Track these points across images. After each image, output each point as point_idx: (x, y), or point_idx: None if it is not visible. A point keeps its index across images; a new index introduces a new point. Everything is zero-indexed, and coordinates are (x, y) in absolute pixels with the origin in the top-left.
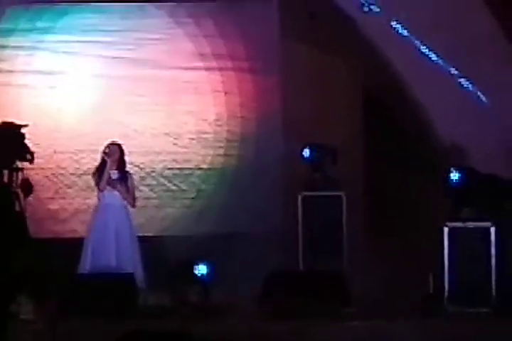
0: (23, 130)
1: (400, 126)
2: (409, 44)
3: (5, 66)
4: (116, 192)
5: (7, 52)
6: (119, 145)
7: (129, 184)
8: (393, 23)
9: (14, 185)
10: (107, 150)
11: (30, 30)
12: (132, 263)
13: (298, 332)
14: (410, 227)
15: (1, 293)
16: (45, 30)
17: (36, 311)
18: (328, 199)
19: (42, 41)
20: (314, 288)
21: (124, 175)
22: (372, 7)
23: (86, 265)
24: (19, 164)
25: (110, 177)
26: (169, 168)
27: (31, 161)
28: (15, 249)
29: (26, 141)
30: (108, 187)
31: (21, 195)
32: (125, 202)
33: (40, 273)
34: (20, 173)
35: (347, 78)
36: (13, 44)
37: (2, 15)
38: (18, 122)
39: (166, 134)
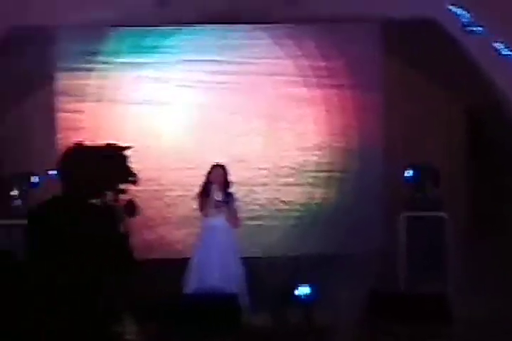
0: (127, 152)
1: (504, 148)
2: None
3: (110, 85)
4: (220, 213)
5: (110, 75)
6: (223, 167)
7: (233, 205)
8: (496, 44)
9: (119, 206)
10: (211, 175)
11: (132, 55)
12: (236, 283)
13: None
14: None
15: (106, 314)
16: (146, 54)
17: (141, 332)
18: (430, 220)
19: (144, 64)
20: (416, 309)
21: (229, 197)
22: (475, 27)
23: (191, 286)
24: (124, 186)
25: (215, 199)
26: (271, 191)
27: (135, 183)
28: (120, 271)
29: (130, 163)
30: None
31: (126, 217)
32: (228, 223)
33: (144, 294)
34: (124, 195)
35: (448, 98)
36: (119, 63)
37: (105, 38)
38: (122, 144)
39: (269, 154)
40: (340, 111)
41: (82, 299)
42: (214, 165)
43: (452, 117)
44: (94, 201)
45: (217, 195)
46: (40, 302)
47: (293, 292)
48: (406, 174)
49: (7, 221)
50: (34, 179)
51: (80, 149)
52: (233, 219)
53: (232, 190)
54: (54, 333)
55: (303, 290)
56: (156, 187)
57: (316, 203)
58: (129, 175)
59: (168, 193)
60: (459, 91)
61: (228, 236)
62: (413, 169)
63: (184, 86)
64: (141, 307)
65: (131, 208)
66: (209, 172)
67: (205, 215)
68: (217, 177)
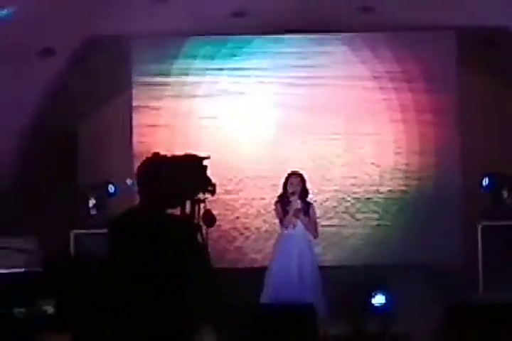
0: (205, 162)
1: None
2: None
3: (186, 95)
4: (298, 223)
5: (186, 87)
6: (300, 176)
7: (311, 214)
8: None
9: (196, 216)
10: (289, 185)
11: (208, 67)
12: (314, 293)
13: None
14: None
15: (185, 324)
16: (224, 61)
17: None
18: (508, 228)
19: (222, 69)
20: (497, 320)
21: (306, 205)
22: None
23: (268, 295)
24: (201, 196)
25: (294, 208)
26: (347, 200)
27: (213, 193)
28: (197, 280)
29: (208, 173)
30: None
31: (204, 227)
32: (307, 232)
33: (222, 303)
34: (202, 205)
35: None
36: (191, 80)
37: (181, 49)
38: (200, 154)
39: (345, 164)
40: (416, 119)
41: (160, 309)
42: (290, 174)
43: None
44: (172, 211)
45: (297, 204)
46: (118, 313)
47: (370, 301)
48: (483, 183)
49: (84, 230)
50: (111, 188)
51: (158, 159)
52: (311, 228)
53: (310, 199)
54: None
55: (379, 299)
56: (234, 197)
57: (392, 213)
58: (207, 185)
59: (245, 202)
60: None
61: (306, 245)
62: (489, 177)
63: (262, 93)
64: (219, 317)
65: (209, 218)
66: (286, 181)
67: (285, 225)
68: (296, 186)
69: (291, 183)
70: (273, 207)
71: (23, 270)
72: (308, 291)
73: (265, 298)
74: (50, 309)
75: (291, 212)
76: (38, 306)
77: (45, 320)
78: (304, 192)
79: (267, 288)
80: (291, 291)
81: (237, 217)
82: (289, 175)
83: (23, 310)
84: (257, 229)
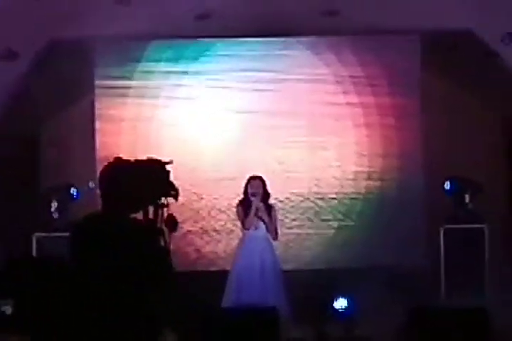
0: (167, 166)
1: None
2: None
3: (148, 98)
4: (260, 224)
5: (149, 91)
6: (261, 179)
7: (273, 216)
8: None
9: (159, 221)
10: (250, 187)
11: (171, 70)
12: (276, 296)
13: None
14: None
15: (147, 327)
16: (188, 64)
17: None
18: (470, 232)
19: (185, 73)
20: (457, 323)
21: (269, 208)
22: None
23: (230, 298)
24: (164, 200)
25: (256, 211)
26: (311, 202)
27: (176, 197)
28: (159, 284)
29: (170, 177)
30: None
31: (166, 231)
32: (268, 235)
33: (183, 307)
34: (165, 209)
35: (487, 110)
36: (153, 84)
37: (144, 52)
38: (163, 159)
39: (308, 169)
40: (379, 122)
41: (123, 312)
42: (251, 177)
43: (490, 128)
44: (135, 216)
45: (258, 207)
46: (79, 316)
47: (332, 304)
48: (445, 186)
49: (46, 234)
50: (73, 191)
51: (120, 164)
52: (274, 230)
53: (271, 201)
54: None
55: (341, 302)
56: (195, 199)
57: (355, 215)
58: (170, 190)
59: (207, 205)
60: (497, 102)
61: (268, 247)
62: (451, 181)
63: (223, 95)
64: (180, 320)
65: (172, 222)
66: (247, 184)
67: (246, 227)
68: (256, 188)
69: (252, 186)
70: (236, 209)
71: None
72: (270, 294)
73: (227, 300)
74: (8, 310)
75: (252, 213)
76: None
77: (3, 320)
78: (266, 195)
79: (229, 290)
80: (253, 293)
81: (200, 221)
82: (250, 178)
83: None
84: (220, 231)
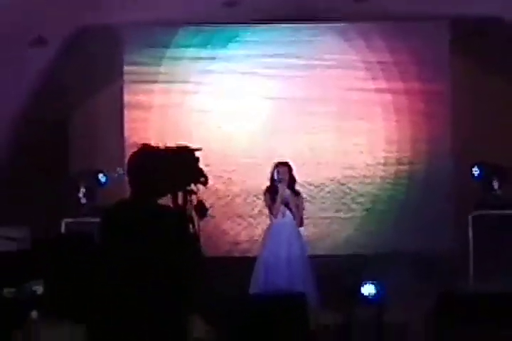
0: (197, 153)
1: None
2: None
3: (176, 93)
4: (287, 211)
5: (177, 77)
6: (287, 165)
7: (299, 202)
8: None
9: (189, 207)
10: (276, 173)
11: (199, 56)
12: (304, 282)
13: None
14: None
15: (176, 314)
16: (216, 50)
17: (208, 330)
18: (499, 218)
19: (213, 59)
20: (487, 310)
21: (295, 194)
22: None
23: (258, 284)
24: (194, 187)
25: (283, 197)
26: (340, 189)
27: (205, 184)
28: (189, 271)
29: (200, 164)
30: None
31: (196, 217)
32: (295, 221)
33: (212, 293)
34: (194, 196)
35: None
36: (182, 70)
37: (173, 38)
38: (192, 146)
39: (338, 155)
40: (407, 107)
41: (152, 299)
42: (278, 163)
43: None
44: (164, 202)
45: (285, 192)
46: (108, 301)
47: (360, 290)
48: (473, 172)
49: (75, 219)
50: (101, 177)
51: (149, 150)
52: (299, 217)
53: (298, 187)
54: (128, 334)
55: (369, 288)
56: (224, 187)
57: (384, 201)
58: (199, 176)
59: (236, 193)
60: None
61: (295, 233)
62: (479, 167)
63: (253, 81)
64: (209, 307)
65: (201, 209)
66: (273, 171)
67: (274, 213)
68: (282, 174)
69: (278, 172)
70: (263, 196)
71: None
72: (298, 280)
73: (255, 287)
74: (39, 289)
75: (278, 200)
76: (27, 287)
77: (34, 300)
78: (292, 181)
79: (257, 277)
80: (280, 280)
81: (230, 207)
82: (276, 165)
83: (12, 290)
84: (250, 218)
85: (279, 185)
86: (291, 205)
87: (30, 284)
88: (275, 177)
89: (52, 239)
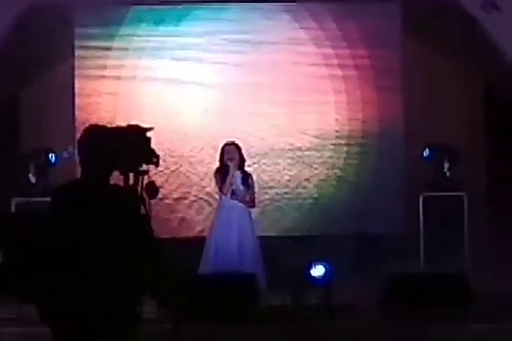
0: (148, 133)
1: None
2: None
3: (128, 70)
4: (237, 191)
5: (130, 54)
6: (236, 145)
7: (250, 183)
8: None
9: (139, 188)
10: (226, 153)
11: (152, 34)
12: (254, 263)
13: (420, 334)
14: None
15: (127, 295)
16: (168, 33)
17: (159, 311)
18: (449, 199)
19: (164, 43)
20: (436, 289)
21: (245, 175)
22: (493, 6)
23: (208, 264)
24: (145, 167)
25: (233, 177)
26: (290, 170)
27: (157, 164)
28: (139, 252)
29: (151, 144)
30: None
31: (146, 198)
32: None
33: (163, 274)
34: (145, 176)
35: (468, 77)
36: (134, 46)
37: (125, 16)
38: (144, 125)
39: (287, 136)
40: (360, 89)
41: (103, 281)
42: (226, 143)
43: (471, 96)
44: (115, 182)
45: (236, 174)
46: (59, 282)
47: (309, 272)
48: (424, 154)
49: (25, 198)
50: (51, 157)
51: (100, 130)
52: (251, 198)
53: (250, 169)
54: (78, 314)
55: (319, 269)
56: (173, 168)
57: (334, 182)
58: (151, 157)
59: (186, 173)
60: (479, 69)
61: (246, 214)
62: (430, 148)
63: (203, 65)
64: (160, 288)
65: (152, 189)
66: (222, 151)
67: (225, 192)
68: (232, 154)
69: (228, 151)
70: (214, 176)
71: None
72: (248, 260)
73: (205, 268)
74: None
75: (228, 179)
76: None
77: None
78: (242, 160)
79: (207, 257)
80: (230, 260)
81: (180, 187)
82: (225, 145)
83: None
84: (197, 198)
85: (230, 164)
86: (243, 186)
87: None
88: (225, 156)
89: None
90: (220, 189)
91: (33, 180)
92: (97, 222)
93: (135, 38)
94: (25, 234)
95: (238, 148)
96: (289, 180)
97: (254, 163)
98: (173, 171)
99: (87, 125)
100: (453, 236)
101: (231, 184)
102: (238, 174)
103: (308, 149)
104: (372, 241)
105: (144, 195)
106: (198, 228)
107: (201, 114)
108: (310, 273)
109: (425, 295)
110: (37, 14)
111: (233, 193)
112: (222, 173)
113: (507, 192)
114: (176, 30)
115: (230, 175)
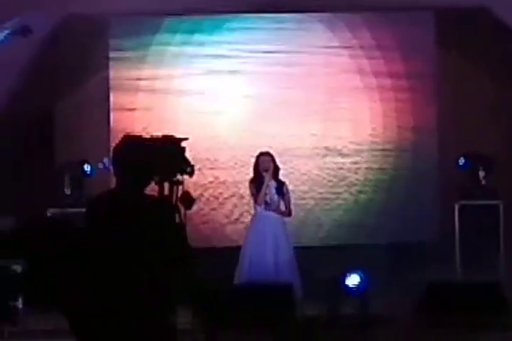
0: (183, 143)
1: None
2: None
3: (162, 81)
4: (273, 201)
5: (164, 64)
6: (270, 155)
7: (285, 192)
8: None
9: (175, 198)
10: (261, 163)
11: (186, 43)
12: (290, 273)
13: None
14: None
15: (162, 305)
16: (201, 43)
17: (194, 321)
18: (485, 208)
19: (199, 52)
20: (472, 298)
21: (280, 184)
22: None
23: (243, 275)
24: (180, 177)
25: (268, 187)
26: (324, 178)
27: (192, 174)
28: (175, 261)
29: (186, 154)
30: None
31: (182, 208)
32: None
33: (198, 284)
34: (180, 186)
35: (504, 86)
36: (169, 56)
37: (160, 25)
38: (178, 136)
39: (322, 145)
40: (394, 99)
41: (137, 290)
42: (261, 153)
43: (507, 104)
44: (150, 193)
45: (271, 183)
46: (94, 290)
47: (344, 281)
48: (459, 162)
49: (60, 209)
50: (87, 167)
51: (134, 140)
52: (287, 207)
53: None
54: (110, 326)
55: (353, 279)
56: (211, 179)
57: (371, 191)
58: (185, 167)
59: (225, 183)
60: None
61: (281, 224)
62: (465, 157)
63: (237, 76)
64: (195, 298)
65: (187, 199)
66: (256, 161)
67: (259, 203)
68: (266, 164)
69: (262, 161)
70: (248, 185)
71: None
72: (283, 270)
73: (240, 278)
74: (18, 268)
75: (263, 189)
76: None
77: (13, 279)
78: (276, 170)
79: (242, 267)
80: (266, 270)
81: (216, 198)
82: (259, 155)
83: None
84: (233, 208)
85: (265, 175)
86: (278, 195)
87: (9, 262)
88: (259, 167)
89: (37, 221)
90: (255, 199)
91: (68, 191)
92: (131, 231)
93: (170, 48)
94: (56, 243)
95: (272, 158)
96: (323, 190)
97: (289, 173)
98: (210, 182)
99: (122, 137)
100: (488, 245)
101: (266, 194)
102: (273, 183)
103: (342, 158)
104: (408, 250)
105: (180, 205)
106: (235, 238)
107: (235, 124)
108: (345, 283)
109: (461, 303)
110: (71, 26)
111: (267, 203)
112: (256, 183)
113: None
114: (208, 42)
115: (264, 186)
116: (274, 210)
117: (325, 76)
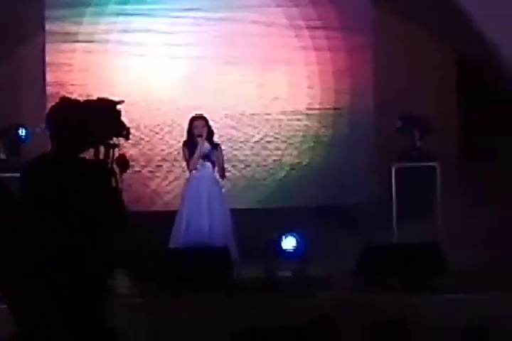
0: (119, 106)
1: (495, 97)
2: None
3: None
4: (207, 164)
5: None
6: (204, 118)
7: (219, 154)
8: None
9: (110, 161)
10: (194, 128)
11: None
12: (225, 236)
13: (392, 304)
14: (507, 196)
15: (98, 270)
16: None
17: (132, 285)
18: (422, 170)
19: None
20: (409, 260)
21: (214, 146)
22: None
23: (179, 238)
24: (115, 140)
25: (202, 150)
26: (262, 141)
27: (127, 137)
28: (110, 226)
29: (122, 117)
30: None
31: (117, 171)
32: (216, 174)
33: (134, 248)
34: (116, 149)
35: (440, 49)
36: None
37: None
38: (114, 99)
39: (259, 106)
40: (330, 58)
41: (74, 255)
42: (194, 117)
43: (444, 68)
44: (85, 156)
45: (204, 146)
46: (29, 257)
47: (281, 244)
48: (396, 125)
49: None
50: (22, 132)
51: (70, 104)
52: (220, 169)
53: (221, 140)
54: (46, 287)
55: (289, 242)
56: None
57: (306, 154)
58: (121, 130)
59: (158, 146)
60: (450, 40)
61: (216, 187)
62: (402, 120)
63: (173, 37)
64: (132, 261)
65: (123, 162)
66: (190, 124)
67: (191, 168)
68: (201, 128)
69: (196, 126)
70: (182, 149)
71: None
72: (219, 234)
73: (177, 240)
74: None
75: (197, 154)
76: None
77: None
78: (210, 133)
79: (178, 231)
80: (202, 234)
81: (150, 161)
82: (193, 119)
83: None
84: (168, 171)
85: (199, 139)
86: (212, 158)
87: None
88: (194, 131)
89: None
90: (188, 163)
91: (2, 156)
92: (67, 196)
93: (106, 10)
94: None
95: (206, 122)
96: (260, 152)
97: (222, 135)
98: (144, 143)
99: (58, 99)
100: (425, 207)
101: (199, 158)
102: (207, 146)
103: (278, 121)
104: (345, 212)
105: (115, 168)
106: (170, 201)
107: (171, 87)
108: (281, 246)
109: (397, 265)
110: None
111: (202, 165)
112: (190, 147)
113: (478, 163)
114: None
115: (198, 150)
116: (207, 173)
117: (260, 38)
